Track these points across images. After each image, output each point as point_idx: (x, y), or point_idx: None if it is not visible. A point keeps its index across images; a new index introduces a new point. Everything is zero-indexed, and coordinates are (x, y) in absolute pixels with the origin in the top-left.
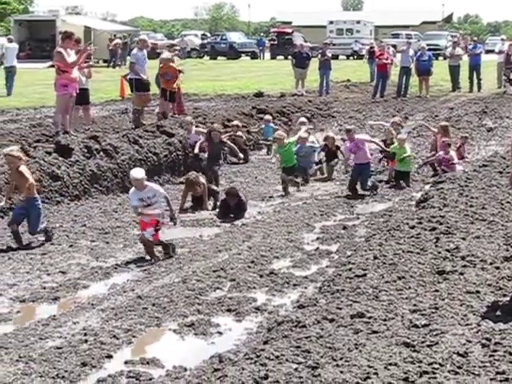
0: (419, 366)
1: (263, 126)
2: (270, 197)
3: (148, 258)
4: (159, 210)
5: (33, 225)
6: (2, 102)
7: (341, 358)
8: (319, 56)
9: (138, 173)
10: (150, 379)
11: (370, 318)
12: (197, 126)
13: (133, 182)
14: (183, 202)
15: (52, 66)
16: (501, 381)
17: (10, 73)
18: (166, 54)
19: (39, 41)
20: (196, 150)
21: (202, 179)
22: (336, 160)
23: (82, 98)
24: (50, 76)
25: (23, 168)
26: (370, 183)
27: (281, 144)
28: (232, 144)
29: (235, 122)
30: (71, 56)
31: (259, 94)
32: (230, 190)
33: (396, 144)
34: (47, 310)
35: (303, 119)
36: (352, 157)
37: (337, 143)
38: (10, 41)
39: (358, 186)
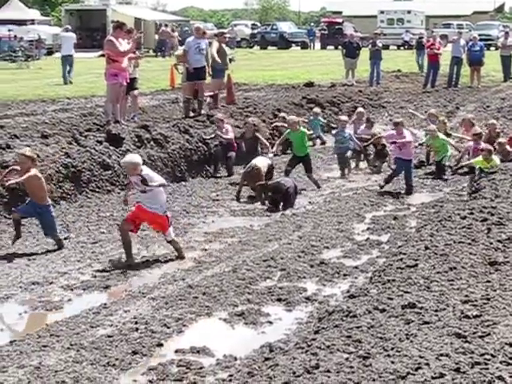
0: (471, 357)
1: (311, 117)
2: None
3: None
4: (157, 200)
5: (47, 228)
6: (55, 90)
7: (392, 348)
8: (370, 46)
9: (129, 158)
10: (201, 368)
11: (421, 308)
12: (227, 123)
13: (123, 166)
14: (239, 191)
15: (102, 55)
16: None
17: (67, 61)
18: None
19: (90, 30)
20: (207, 137)
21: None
22: (387, 158)
23: (131, 87)
24: (101, 65)
25: (34, 171)
26: (411, 183)
27: (294, 129)
28: (264, 140)
29: (282, 114)
30: (122, 45)
31: (309, 84)
32: (276, 188)
33: (428, 137)
34: (98, 299)
35: (361, 109)
36: (392, 147)
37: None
38: (67, 30)
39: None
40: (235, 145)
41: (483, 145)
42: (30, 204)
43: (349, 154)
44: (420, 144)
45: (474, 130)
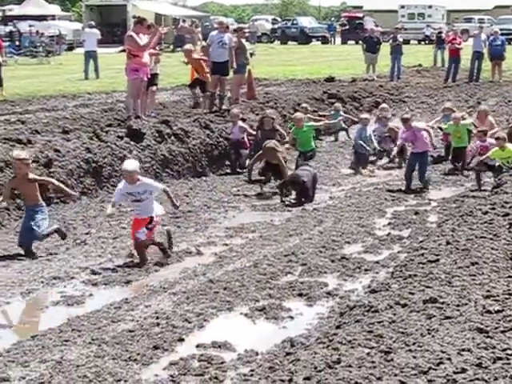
0: (493, 352)
1: (332, 112)
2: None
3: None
4: (150, 207)
5: (38, 227)
6: (76, 86)
7: (413, 343)
8: (390, 41)
9: (129, 164)
10: (222, 363)
11: (442, 303)
12: (243, 120)
13: (123, 174)
14: (250, 169)
15: (123, 50)
16: None
17: (91, 57)
18: (188, 46)
19: (110, 25)
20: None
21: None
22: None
23: (152, 82)
24: (121, 61)
25: (32, 176)
26: (426, 177)
27: (299, 126)
28: (282, 130)
29: (304, 105)
30: (143, 41)
31: (330, 79)
32: (293, 181)
33: (451, 122)
34: (119, 294)
35: (385, 105)
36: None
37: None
38: (91, 26)
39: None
40: (247, 143)
41: (489, 140)
42: (24, 224)
43: (367, 155)
44: (440, 128)
45: (488, 120)
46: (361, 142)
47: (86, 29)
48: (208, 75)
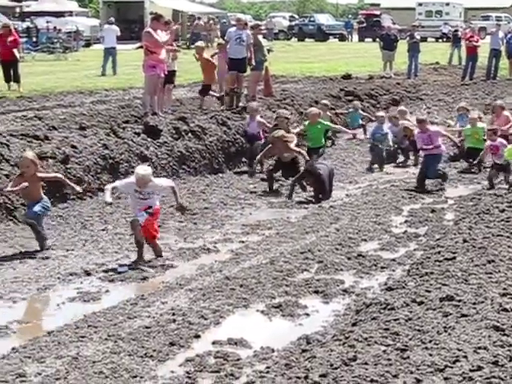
0: (509, 350)
1: (351, 110)
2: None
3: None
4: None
5: (31, 210)
6: (93, 82)
7: (430, 341)
8: (408, 38)
9: (142, 170)
10: (238, 360)
11: (459, 301)
12: (261, 116)
13: (137, 179)
14: (258, 162)
15: (140, 47)
16: None
17: (110, 54)
18: (199, 43)
19: (127, 22)
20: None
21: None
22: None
23: (169, 79)
24: (139, 57)
25: (41, 174)
26: (439, 172)
27: (313, 121)
28: (296, 149)
29: (324, 101)
30: (160, 37)
31: (347, 76)
32: (309, 171)
33: (468, 126)
34: (136, 290)
35: (403, 108)
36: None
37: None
38: (111, 23)
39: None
40: (262, 138)
41: (499, 139)
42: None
43: (384, 154)
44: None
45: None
46: (377, 139)
47: (106, 25)
48: (215, 76)
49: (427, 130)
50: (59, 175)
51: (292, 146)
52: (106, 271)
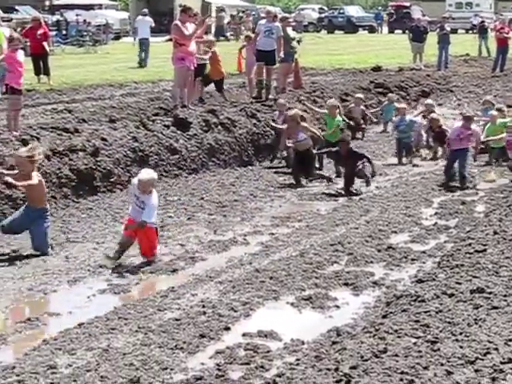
0: None
1: (386, 103)
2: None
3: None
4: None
5: (38, 239)
6: (122, 75)
7: (460, 333)
8: (438, 30)
9: (145, 174)
10: (268, 352)
11: (489, 293)
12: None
13: (138, 181)
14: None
15: (170, 39)
16: None
17: (143, 45)
18: (210, 37)
19: (157, 14)
20: (279, 126)
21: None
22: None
23: (200, 72)
24: (168, 50)
25: (36, 178)
26: (466, 173)
27: (332, 113)
28: (314, 129)
29: (358, 95)
30: (189, 29)
31: (377, 69)
32: (342, 137)
33: (489, 124)
34: (166, 282)
35: (430, 101)
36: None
37: (443, 126)
38: (144, 14)
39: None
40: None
41: None
42: (25, 212)
43: (411, 143)
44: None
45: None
46: (401, 131)
47: (139, 17)
48: (223, 71)
49: (470, 128)
50: (24, 183)
51: (306, 124)
52: (135, 263)
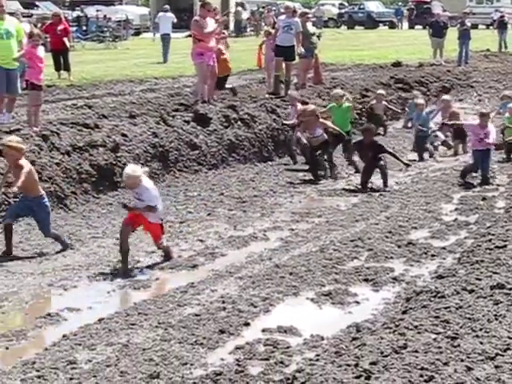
0: None
1: (411, 101)
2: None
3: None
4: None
5: (44, 226)
6: (142, 71)
7: (480, 329)
8: (458, 26)
9: (130, 172)
10: (288, 347)
11: (510, 289)
12: (305, 103)
13: (123, 177)
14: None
15: (190, 35)
16: None
17: (165, 41)
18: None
19: (177, 10)
20: (289, 122)
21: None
22: (467, 139)
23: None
24: (188, 45)
25: (23, 162)
26: (489, 174)
27: (338, 102)
28: (331, 124)
29: (380, 91)
30: (208, 25)
31: (397, 64)
32: (367, 127)
33: (507, 115)
34: (186, 278)
35: (447, 97)
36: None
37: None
38: (166, 10)
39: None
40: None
41: None
42: (19, 202)
43: (427, 139)
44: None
45: None
46: (419, 125)
47: (160, 13)
48: (230, 68)
49: (486, 125)
50: (22, 179)
51: (322, 120)
52: (156, 259)
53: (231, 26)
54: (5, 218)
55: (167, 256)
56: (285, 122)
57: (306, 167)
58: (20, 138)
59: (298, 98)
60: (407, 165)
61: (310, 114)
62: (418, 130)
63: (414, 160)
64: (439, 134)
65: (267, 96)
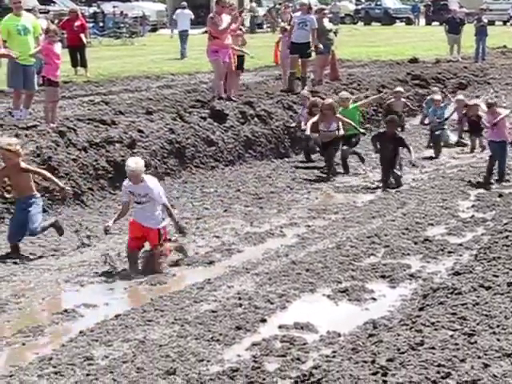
0: None
1: (428, 97)
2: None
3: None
4: (150, 216)
5: (32, 222)
6: (159, 67)
7: (497, 326)
8: (475, 22)
9: (133, 162)
10: (304, 344)
11: None
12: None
13: (127, 172)
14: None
15: (206, 31)
16: None
17: (183, 37)
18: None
19: (194, 7)
20: (304, 127)
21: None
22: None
23: (239, 64)
24: (205, 42)
25: (23, 165)
26: (505, 169)
27: (344, 106)
28: (347, 120)
29: (398, 89)
30: (223, 22)
31: (414, 60)
32: (391, 118)
33: None
34: (202, 274)
35: (461, 97)
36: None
37: (480, 113)
38: (183, 7)
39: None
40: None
41: None
42: (16, 210)
43: (442, 136)
44: None
45: None
46: (433, 122)
47: (178, 10)
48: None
49: (496, 113)
50: (46, 172)
51: (339, 115)
52: (172, 256)
53: (246, 22)
54: (9, 239)
55: (152, 264)
56: (304, 126)
57: (322, 164)
58: (16, 140)
59: (309, 98)
60: (413, 164)
61: (327, 107)
62: (433, 126)
63: (431, 157)
64: (451, 134)
65: (281, 93)
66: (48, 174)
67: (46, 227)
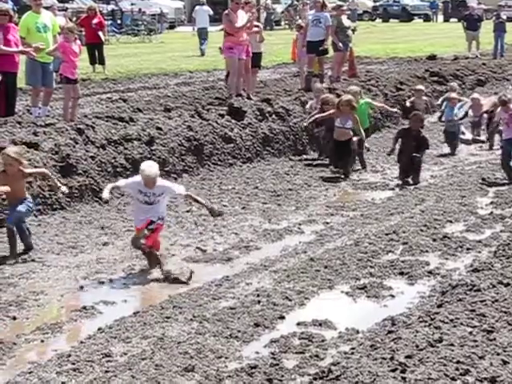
0: None
1: (445, 95)
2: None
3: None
4: (158, 211)
5: (15, 215)
6: (176, 64)
7: None
8: (493, 18)
9: (149, 167)
10: (323, 341)
11: None
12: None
13: (143, 178)
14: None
15: (222, 29)
16: None
17: (202, 34)
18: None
19: (212, 4)
20: (306, 124)
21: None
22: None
23: (254, 61)
24: (222, 39)
25: (27, 170)
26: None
27: (355, 99)
28: (359, 124)
29: (419, 87)
30: (239, 19)
31: (432, 57)
32: (417, 113)
33: None
34: (220, 271)
35: (477, 95)
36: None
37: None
38: (202, 4)
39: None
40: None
41: None
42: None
43: (457, 134)
44: None
45: None
46: (448, 120)
47: (197, 6)
48: None
49: (509, 107)
50: (45, 170)
51: (356, 115)
52: (191, 252)
53: (262, 19)
54: (8, 223)
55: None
56: (300, 124)
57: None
58: (21, 149)
59: (323, 90)
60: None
61: (345, 103)
62: (448, 124)
63: (448, 153)
64: (466, 131)
65: (301, 92)
66: (47, 172)
67: (23, 227)
